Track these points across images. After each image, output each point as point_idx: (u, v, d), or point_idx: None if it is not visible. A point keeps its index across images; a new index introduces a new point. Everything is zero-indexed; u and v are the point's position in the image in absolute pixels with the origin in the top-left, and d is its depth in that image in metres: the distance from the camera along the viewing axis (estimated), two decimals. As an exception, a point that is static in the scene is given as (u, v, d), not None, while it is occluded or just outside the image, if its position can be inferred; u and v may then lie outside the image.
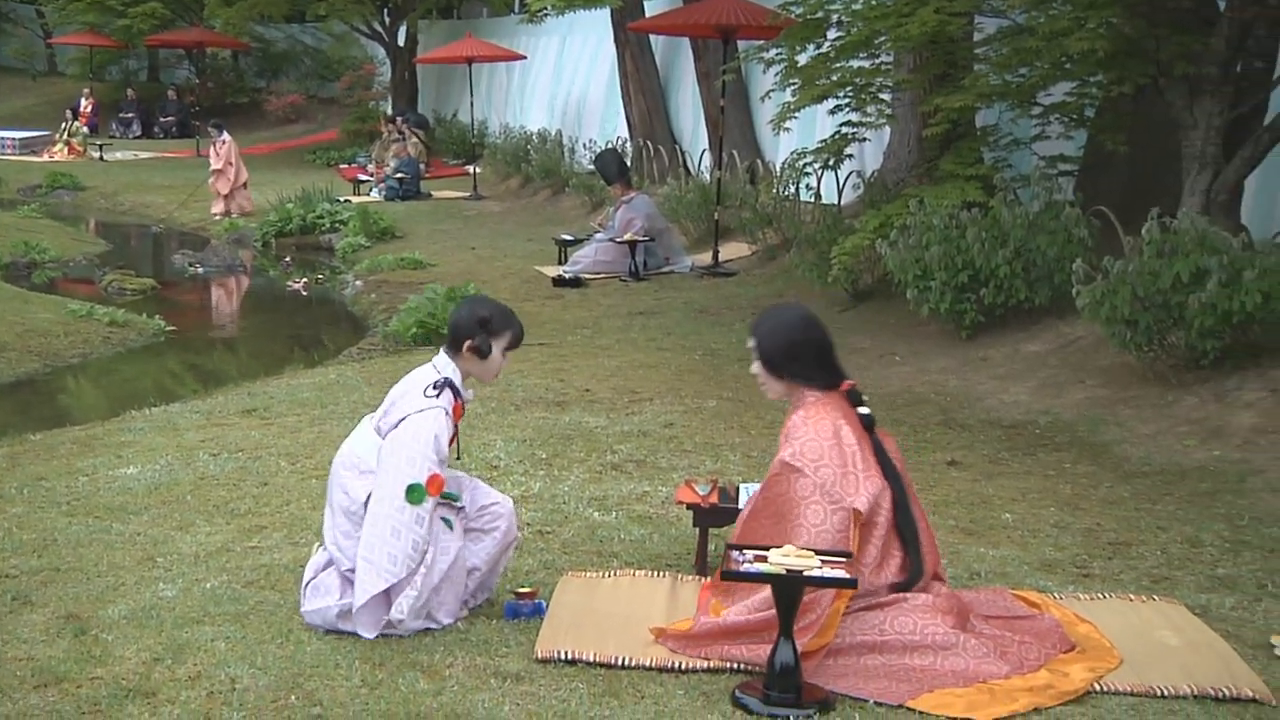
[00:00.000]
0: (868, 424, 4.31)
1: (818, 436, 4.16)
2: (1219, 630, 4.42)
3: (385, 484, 4.30)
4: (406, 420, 4.36)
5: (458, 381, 4.46)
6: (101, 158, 27.99)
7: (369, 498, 4.35)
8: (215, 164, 19.69)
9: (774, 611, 3.95)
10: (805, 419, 4.22)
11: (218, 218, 19.33)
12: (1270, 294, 6.68)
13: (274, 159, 26.43)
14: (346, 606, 4.31)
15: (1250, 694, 3.90)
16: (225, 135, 19.71)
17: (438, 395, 4.38)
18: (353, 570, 4.33)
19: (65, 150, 28.42)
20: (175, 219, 20.53)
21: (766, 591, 4.06)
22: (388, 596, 4.27)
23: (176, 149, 29.71)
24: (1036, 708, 3.82)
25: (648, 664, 4.10)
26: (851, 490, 4.12)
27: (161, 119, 33.09)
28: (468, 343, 4.43)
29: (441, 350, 4.52)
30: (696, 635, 4.18)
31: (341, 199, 19.51)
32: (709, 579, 4.69)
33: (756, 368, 4.38)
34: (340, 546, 4.41)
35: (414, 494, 4.27)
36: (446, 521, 4.41)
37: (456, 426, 4.49)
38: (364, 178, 22.14)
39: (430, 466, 4.29)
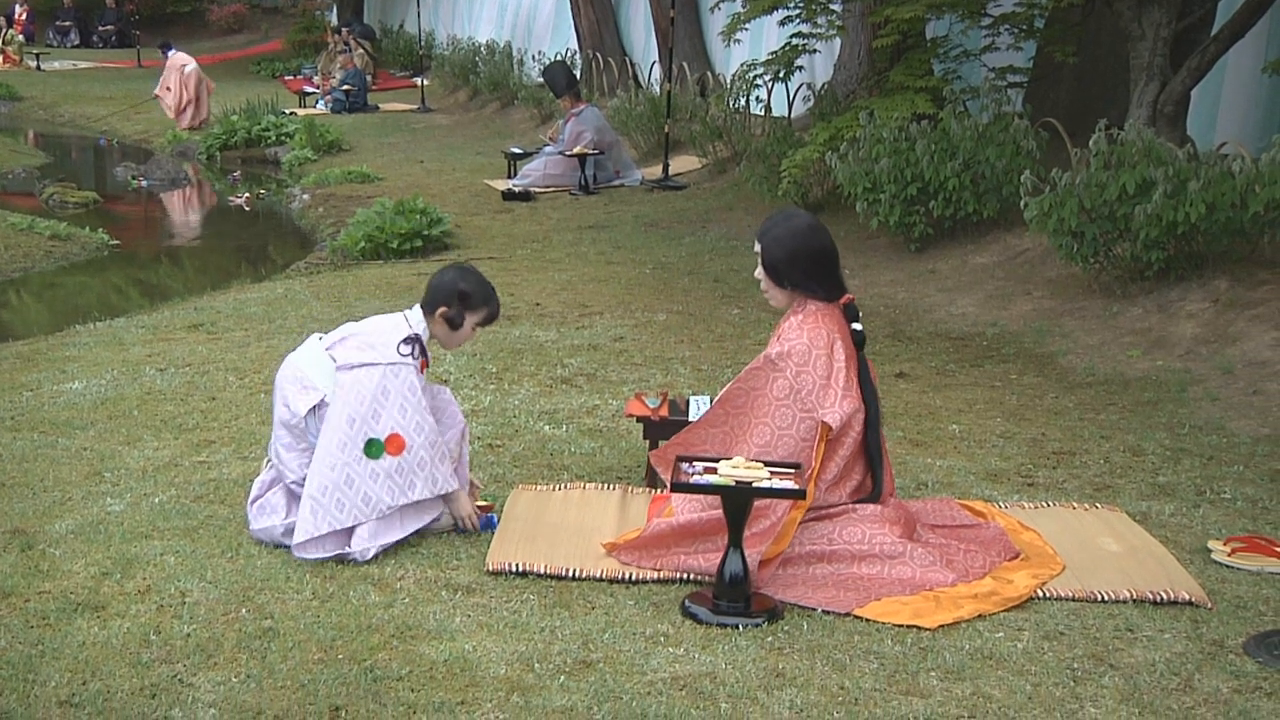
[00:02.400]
0: (859, 341, 4.32)
1: (811, 344, 4.16)
2: (1158, 536, 4.51)
3: (343, 426, 4.25)
4: (376, 368, 4.30)
5: (425, 340, 4.45)
6: (39, 67, 27.42)
7: (310, 411, 4.33)
8: (156, 89, 19.36)
9: (717, 513, 4.01)
10: (802, 324, 4.22)
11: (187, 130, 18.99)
12: (1214, 204, 6.73)
13: (217, 70, 25.95)
14: (293, 524, 4.30)
15: (1187, 597, 3.99)
16: (168, 55, 19.34)
17: (410, 353, 4.35)
18: (297, 483, 4.33)
19: (0, 59, 27.80)
20: (117, 131, 20.17)
21: None
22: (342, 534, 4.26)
23: (116, 59, 29.14)
24: (981, 614, 3.89)
25: (598, 575, 4.13)
26: (828, 404, 4.14)
27: (100, 28, 32.41)
28: (442, 309, 4.41)
29: (417, 305, 4.48)
30: (649, 540, 4.21)
31: (287, 111, 19.22)
32: (659, 492, 4.72)
33: (760, 273, 4.37)
34: (282, 459, 4.40)
35: (372, 449, 4.26)
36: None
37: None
38: (310, 90, 21.82)
39: (392, 426, 4.26)
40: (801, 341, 4.17)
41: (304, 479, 4.32)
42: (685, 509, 4.23)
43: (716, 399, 4.37)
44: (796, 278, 4.28)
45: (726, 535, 3.95)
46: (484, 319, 4.50)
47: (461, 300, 4.42)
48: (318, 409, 4.35)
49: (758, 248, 4.35)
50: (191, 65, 19.14)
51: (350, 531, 4.26)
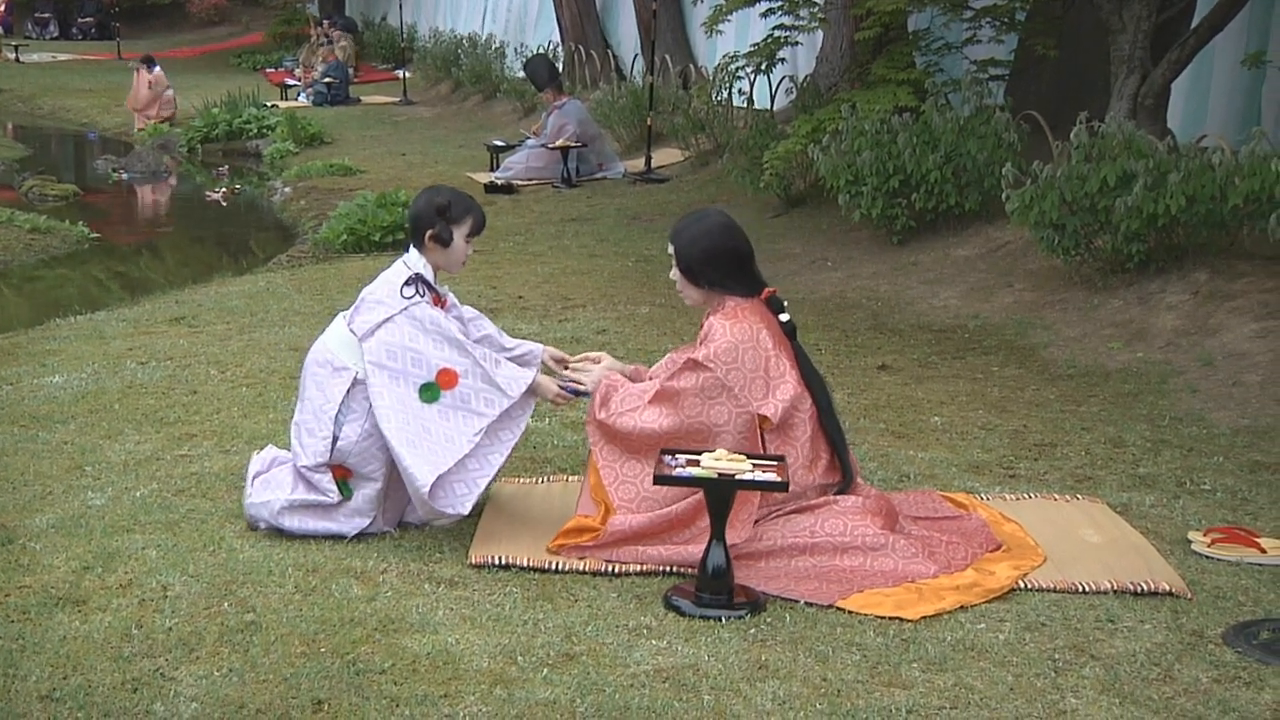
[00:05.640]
0: (789, 331, 4.33)
1: (734, 339, 4.17)
2: (1139, 527, 4.53)
3: (390, 389, 4.23)
4: (392, 322, 4.29)
5: (429, 276, 4.41)
6: (17, 59, 27.31)
7: (346, 393, 4.31)
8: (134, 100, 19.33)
9: (671, 510, 4.09)
10: (723, 320, 4.23)
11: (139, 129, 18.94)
12: (1194, 197, 6.75)
13: (197, 63, 25.89)
14: (295, 502, 4.30)
15: (1167, 588, 4.00)
16: (153, 70, 19.26)
17: (415, 293, 4.33)
18: (309, 468, 4.31)
19: (-20, 52, 27.71)
20: (98, 124, 20.07)
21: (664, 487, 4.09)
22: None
23: (96, 51, 29.02)
24: (963, 605, 3.90)
25: (581, 568, 4.13)
26: (759, 396, 4.16)
27: (80, 20, 32.27)
28: (428, 232, 4.38)
29: (410, 247, 4.47)
30: (604, 544, 4.20)
31: (268, 104, 19.17)
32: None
33: (675, 274, 4.39)
34: (303, 443, 4.36)
35: (427, 393, 4.25)
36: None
37: None
38: (291, 82, 21.77)
39: (436, 363, 4.25)
40: (726, 339, 4.18)
41: (318, 465, 4.30)
42: (622, 499, 4.21)
43: (640, 393, 4.30)
44: (713, 277, 4.31)
45: (679, 532, 4.02)
46: (471, 229, 4.46)
47: (441, 214, 4.39)
48: (354, 388, 4.32)
49: (671, 249, 4.36)
50: (171, 91, 19.19)
51: (447, 491, 4.24)
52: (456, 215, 4.42)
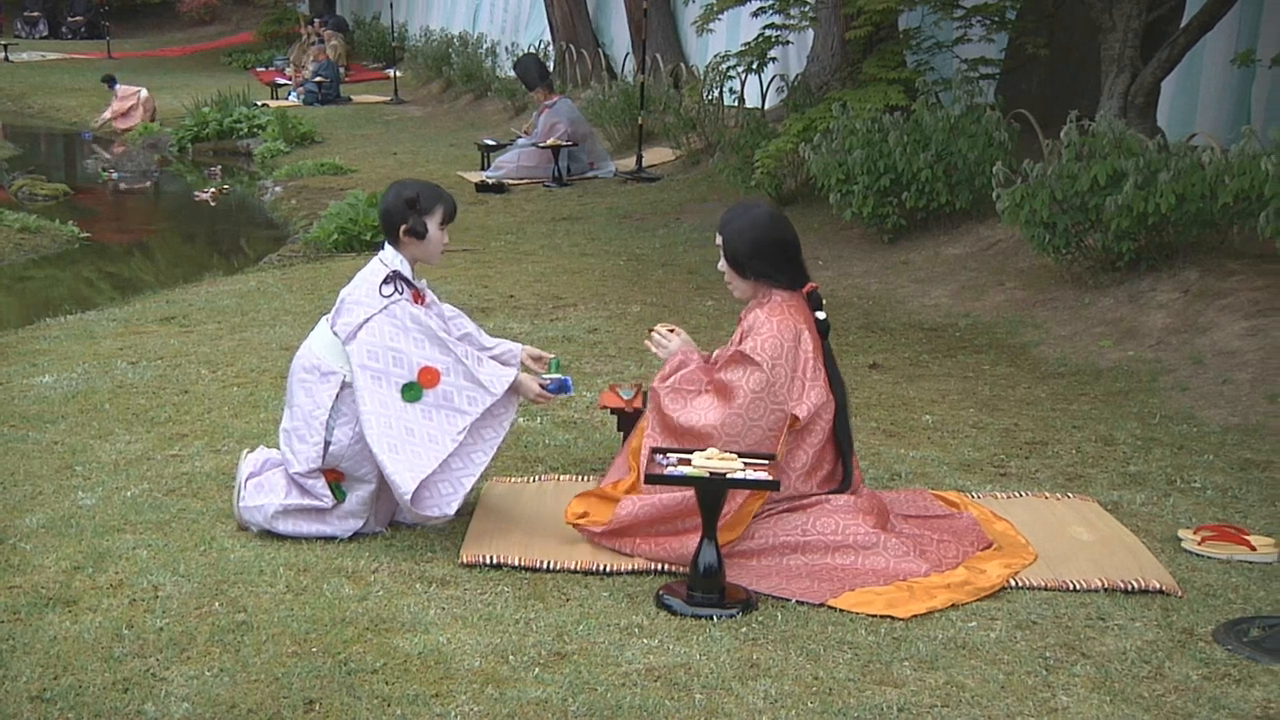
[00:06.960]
0: (823, 329, 4.34)
1: (780, 335, 4.18)
2: (1130, 525, 4.54)
3: (374, 389, 4.22)
4: (372, 322, 4.27)
5: (407, 272, 4.39)
6: (7, 58, 27.21)
7: (336, 398, 4.30)
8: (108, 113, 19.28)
9: (686, 496, 4.06)
10: (770, 316, 4.24)
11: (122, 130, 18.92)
12: (1184, 195, 6.77)
13: (188, 62, 25.86)
14: (289, 506, 4.30)
15: (1158, 586, 4.01)
16: (115, 88, 19.17)
17: (394, 291, 4.32)
18: (300, 474, 4.30)
19: (-31, 52, 27.64)
20: (87, 123, 20.02)
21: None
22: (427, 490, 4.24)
23: (86, 50, 28.94)
24: (954, 604, 3.91)
25: (572, 567, 4.13)
26: (795, 396, 4.16)
27: (69, 19, 32.17)
28: (402, 227, 4.37)
29: (385, 244, 4.46)
30: (613, 532, 4.23)
31: (259, 103, 19.14)
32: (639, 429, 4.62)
33: (723, 265, 4.38)
34: (294, 449, 4.35)
35: (410, 392, 4.24)
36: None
37: None
38: (282, 81, 21.74)
39: (418, 361, 4.24)
40: (772, 334, 4.18)
41: (310, 471, 4.30)
42: (644, 500, 4.23)
43: (690, 378, 4.35)
44: (760, 268, 4.31)
45: (683, 521, 4.03)
46: (444, 217, 4.45)
47: (411, 207, 4.38)
48: (343, 392, 4.31)
49: (719, 240, 4.36)
50: (145, 91, 19.17)
51: (432, 492, 4.23)
52: (427, 205, 4.41)
